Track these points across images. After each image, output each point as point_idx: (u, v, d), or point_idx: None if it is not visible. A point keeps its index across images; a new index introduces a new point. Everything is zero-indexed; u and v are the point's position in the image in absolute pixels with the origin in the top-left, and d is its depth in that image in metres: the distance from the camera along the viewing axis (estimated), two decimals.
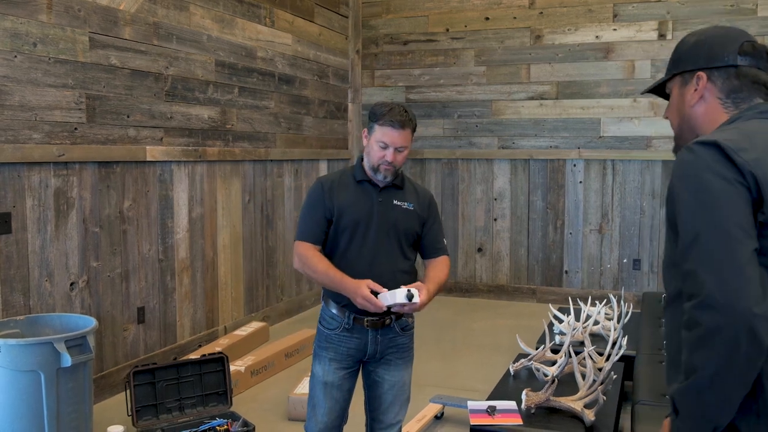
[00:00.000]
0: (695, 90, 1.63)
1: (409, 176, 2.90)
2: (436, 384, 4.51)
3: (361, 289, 2.54)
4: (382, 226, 2.69)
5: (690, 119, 1.65)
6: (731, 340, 1.30)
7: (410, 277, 2.75)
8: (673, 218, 1.49)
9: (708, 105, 1.62)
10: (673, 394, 1.43)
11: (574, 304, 4.81)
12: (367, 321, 2.67)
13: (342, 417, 2.82)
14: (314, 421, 2.79)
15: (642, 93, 1.87)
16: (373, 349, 2.72)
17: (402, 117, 2.65)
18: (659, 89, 1.78)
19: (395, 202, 2.73)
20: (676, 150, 1.73)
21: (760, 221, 1.39)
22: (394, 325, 2.73)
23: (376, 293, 2.55)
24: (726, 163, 1.40)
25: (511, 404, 3.15)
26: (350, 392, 2.81)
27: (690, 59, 1.64)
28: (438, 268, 2.77)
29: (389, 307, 2.55)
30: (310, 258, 2.68)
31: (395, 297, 2.51)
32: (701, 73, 1.61)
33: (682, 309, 1.42)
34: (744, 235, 1.36)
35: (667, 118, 1.75)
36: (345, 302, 2.68)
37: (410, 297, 2.49)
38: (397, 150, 2.65)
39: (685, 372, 1.39)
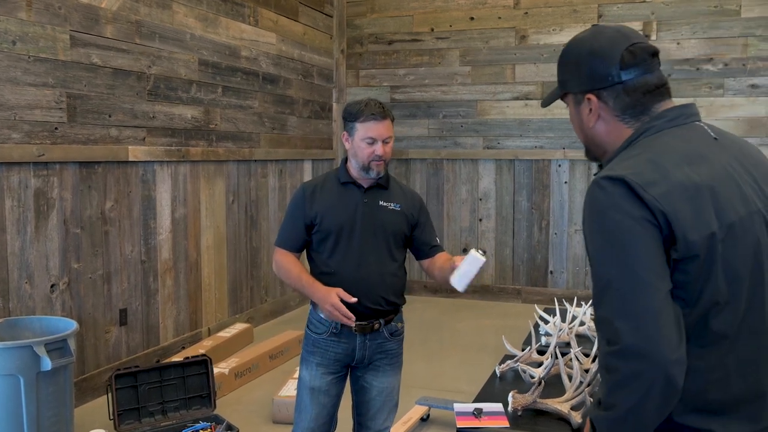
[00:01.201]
0: (590, 111, 1.57)
1: (394, 176, 2.87)
2: (422, 385, 4.49)
3: (330, 296, 2.53)
4: (367, 227, 2.65)
5: (594, 138, 1.61)
6: (648, 385, 1.31)
7: (399, 279, 2.72)
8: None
9: (608, 123, 1.56)
10: (591, 417, 1.45)
11: (559, 305, 4.80)
12: (356, 326, 2.64)
13: (330, 423, 2.78)
14: (301, 426, 2.75)
15: (543, 106, 1.80)
16: (361, 354, 2.69)
17: (380, 108, 2.64)
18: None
19: (381, 203, 2.69)
20: (588, 155, 1.70)
21: (674, 258, 1.36)
22: (383, 330, 2.70)
23: (346, 303, 2.54)
24: (634, 201, 1.36)
25: (498, 406, 3.13)
26: (338, 398, 2.78)
27: (575, 80, 1.58)
28: (446, 256, 2.76)
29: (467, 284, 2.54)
30: (284, 263, 2.73)
31: (476, 259, 2.47)
32: (590, 96, 1.55)
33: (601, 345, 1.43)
34: (656, 278, 1.34)
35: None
36: None
37: (484, 251, 2.49)
38: (384, 142, 2.62)
39: (604, 404, 1.40)
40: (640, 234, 1.34)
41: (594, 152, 1.65)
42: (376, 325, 2.67)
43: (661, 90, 1.54)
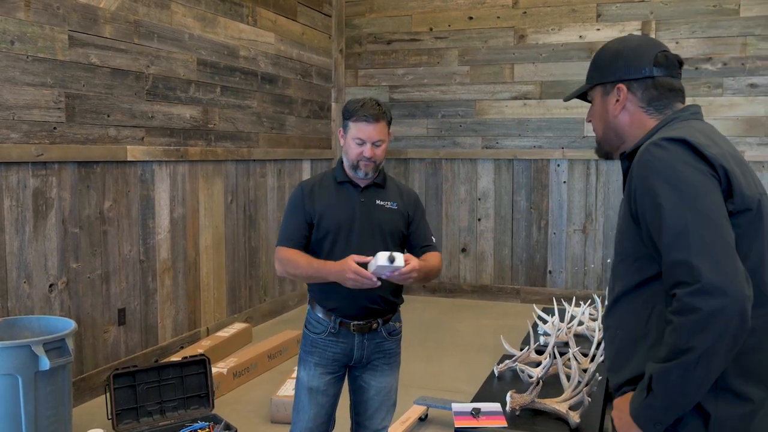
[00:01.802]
0: (617, 100, 1.73)
1: (392, 176, 2.85)
2: (421, 385, 4.49)
3: (347, 263, 2.43)
4: (365, 227, 2.64)
5: (616, 127, 1.75)
6: (726, 321, 1.38)
7: (399, 288, 2.70)
8: (638, 213, 1.55)
9: (631, 114, 1.72)
10: (652, 373, 1.48)
11: (558, 305, 4.80)
12: (354, 325, 2.63)
13: (328, 423, 2.77)
14: (299, 426, 2.74)
15: (565, 100, 1.95)
16: (359, 354, 2.68)
17: (375, 110, 2.59)
18: (581, 95, 1.87)
19: (378, 201, 2.68)
20: (599, 151, 1.85)
21: (729, 210, 1.48)
22: (381, 330, 2.69)
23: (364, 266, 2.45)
24: (697, 157, 1.50)
25: (496, 406, 3.13)
26: (336, 397, 2.77)
27: (609, 71, 1.75)
28: (429, 256, 2.68)
29: (379, 278, 2.44)
30: (289, 258, 2.63)
31: (377, 260, 2.37)
32: (621, 85, 1.72)
33: (653, 304, 1.51)
34: (727, 223, 1.45)
35: (589, 121, 1.83)
36: (331, 306, 2.65)
37: (392, 259, 2.35)
38: (374, 144, 2.59)
39: (670, 352, 1.44)
40: (707, 185, 1.47)
41: (610, 144, 1.79)
42: (374, 325, 2.66)
43: (682, 93, 1.73)
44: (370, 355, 2.69)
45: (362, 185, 2.69)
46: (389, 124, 2.66)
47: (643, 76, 1.69)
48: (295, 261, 2.62)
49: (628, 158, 1.70)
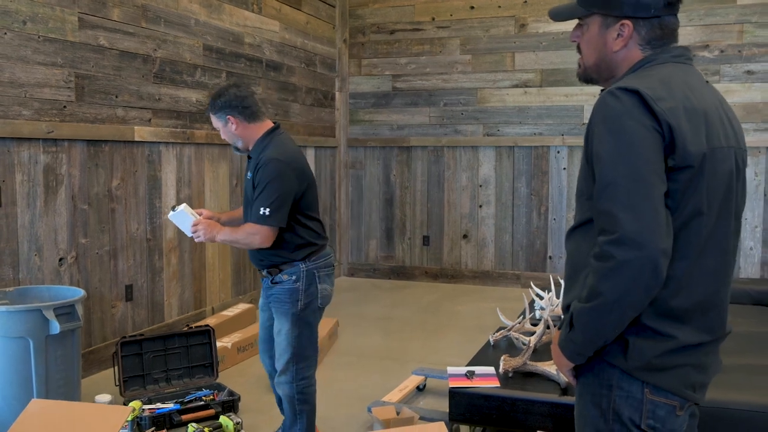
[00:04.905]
0: (619, 36, 1.66)
1: (277, 144, 3.03)
2: (419, 360, 4.59)
3: None
4: (242, 198, 3.11)
5: (611, 62, 1.70)
6: (637, 272, 1.47)
7: (275, 248, 3.00)
8: (590, 156, 1.61)
9: (629, 50, 1.68)
10: (573, 311, 1.60)
11: (555, 283, 4.90)
12: (257, 271, 3.21)
13: (271, 349, 3.25)
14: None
15: (554, 19, 1.77)
16: (264, 293, 3.18)
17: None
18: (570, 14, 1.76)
19: (248, 173, 3.08)
20: (582, 76, 1.79)
21: (670, 166, 1.53)
22: (268, 278, 3.08)
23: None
24: (645, 111, 1.52)
25: (490, 369, 3.24)
26: (272, 329, 3.24)
27: (615, 3, 1.64)
28: (239, 227, 3.05)
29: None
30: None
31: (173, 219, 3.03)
32: (627, 22, 1.65)
33: (593, 240, 1.57)
34: (657, 179, 1.51)
35: (575, 41, 1.77)
36: None
37: (173, 208, 2.96)
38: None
39: (588, 295, 1.56)
40: (647, 140, 1.51)
41: (599, 75, 1.75)
42: (263, 274, 3.12)
43: (678, 32, 1.70)
44: (268, 297, 3.13)
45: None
46: (217, 113, 3.05)
47: (651, 15, 1.62)
48: None
49: None
